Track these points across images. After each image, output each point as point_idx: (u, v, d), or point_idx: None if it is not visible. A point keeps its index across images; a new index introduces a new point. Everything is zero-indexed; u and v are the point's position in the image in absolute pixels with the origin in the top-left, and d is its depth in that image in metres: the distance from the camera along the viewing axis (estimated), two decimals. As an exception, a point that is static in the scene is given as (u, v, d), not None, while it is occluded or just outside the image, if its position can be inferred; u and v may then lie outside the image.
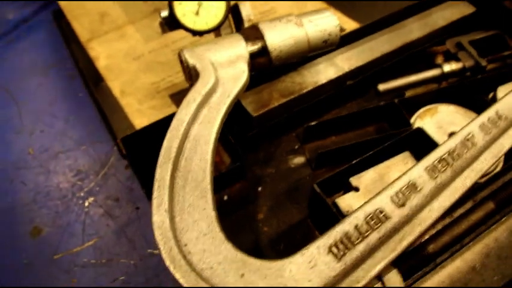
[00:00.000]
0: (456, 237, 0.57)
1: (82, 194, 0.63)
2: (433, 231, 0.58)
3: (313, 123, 0.62)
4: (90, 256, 0.58)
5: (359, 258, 0.42)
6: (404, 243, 0.42)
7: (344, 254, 0.43)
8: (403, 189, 0.47)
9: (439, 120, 0.66)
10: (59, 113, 0.72)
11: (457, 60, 0.71)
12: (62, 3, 0.78)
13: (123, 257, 0.58)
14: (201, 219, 0.44)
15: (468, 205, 0.60)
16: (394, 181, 0.48)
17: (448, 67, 0.70)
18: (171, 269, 0.39)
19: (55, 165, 0.66)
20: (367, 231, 0.44)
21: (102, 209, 0.62)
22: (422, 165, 0.49)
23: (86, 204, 0.62)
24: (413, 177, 0.48)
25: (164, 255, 0.40)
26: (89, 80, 0.69)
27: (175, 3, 0.59)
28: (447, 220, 0.59)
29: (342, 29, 0.57)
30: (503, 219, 0.59)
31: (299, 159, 0.65)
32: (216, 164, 0.64)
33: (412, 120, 0.66)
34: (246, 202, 0.61)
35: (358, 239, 0.43)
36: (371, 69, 0.67)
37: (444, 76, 0.70)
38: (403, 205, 0.46)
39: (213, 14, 0.60)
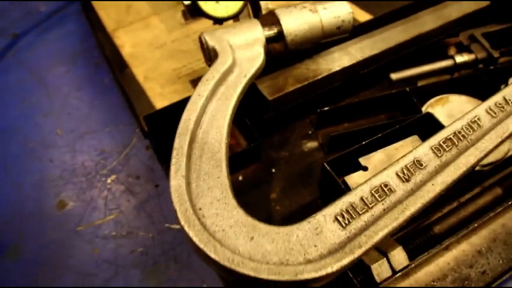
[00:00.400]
0: (463, 220, 0.58)
1: (105, 172, 0.67)
2: (440, 214, 0.60)
3: (326, 109, 0.64)
4: (111, 229, 0.62)
5: (363, 227, 0.44)
6: (407, 213, 0.44)
7: (349, 223, 0.45)
8: (409, 165, 0.49)
9: (449, 110, 0.68)
10: (85, 97, 0.76)
11: (470, 52, 0.72)
12: (90, -6, 0.83)
13: (142, 230, 0.61)
14: (215, 186, 0.47)
15: (476, 190, 0.62)
16: (400, 158, 0.50)
17: (460, 58, 0.72)
18: (186, 228, 0.42)
19: (81, 145, 0.70)
20: (372, 203, 0.46)
21: (123, 185, 0.65)
22: (429, 144, 0.51)
23: (109, 181, 0.66)
24: (419, 155, 0.50)
25: (179, 215, 0.43)
26: (115, 67, 0.73)
27: (198, -9, 0.62)
28: (454, 204, 0.61)
29: (355, 19, 0.59)
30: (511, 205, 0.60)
31: (312, 144, 0.67)
32: (232, 147, 0.67)
33: (423, 109, 0.68)
34: (260, 183, 0.64)
35: (363, 209, 0.45)
36: (384, 58, 0.69)
37: (456, 67, 0.72)
38: (407, 180, 0.48)
39: (233, 1, 0.63)
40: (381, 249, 0.53)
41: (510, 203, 0.58)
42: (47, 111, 0.74)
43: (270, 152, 0.66)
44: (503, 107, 0.55)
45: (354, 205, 0.46)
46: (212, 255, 0.41)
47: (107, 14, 0.80)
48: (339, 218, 0.45)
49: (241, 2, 0.63)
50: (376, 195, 0.46)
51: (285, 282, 0.41)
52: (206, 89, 0.52)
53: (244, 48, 0.56)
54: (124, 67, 0.73)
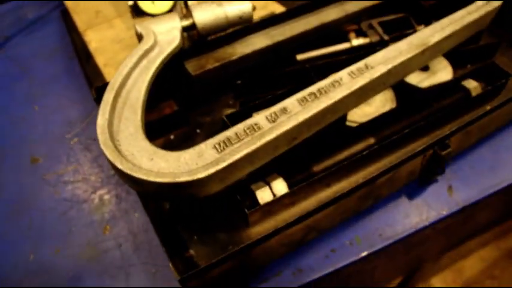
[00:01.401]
0: (338, 162, 0.72)
1: (69, 136, 0.85)
2: (323, 160, 0.74)
3: (239, 82, 0.81)
4: (70, 176, 0.79)
5: (233, 151, 0.60)
6: (263, 140, 0.60)
7: (224, 149, 0.61)
8: (277, 111, 0.64)
9: (345, 82, 0.84)
10: (61, 82, 0.95)
11: (366, 36, 0.89)
12: (67, 3, 1.03)
13: (93, 176, 0.79)
14: (131, 126, 0.63)
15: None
16: (271, 106, 0.66)
17: (356, 41, 0.88)
18: (104, 150, 0.58)
19: (53, 117, 0.89)
20: (242, 136, 0.62)
21: (82, 145, 0.83)
22: (296, 96, 0.67)
23: (72, 142, 0.84)
24: (286, 104, 0.65)
25: (101, 143, 0.59)
26: (83, 58, 0.92)
27: (137, -6, 0.81)
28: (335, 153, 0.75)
29: (253, 8, 0.77)
30: (386, 152, 0.75)
31: (232, 111, 0.84)
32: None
33: (323, 81, 0.84)
34: (187, 140, 0.80)
35: (235, 140, 0.61)
36: (291, 43, 0.86)
37: (354, 49, 0.88)
38: (274, 121, 0.63)
39: (165, 1, 0.82)
40: (266, 180, 0.69)
41: (378, 146, 0.71)
42: (28, 92, 0.93)
43: (197, 118, 0.83)
44: (362, 71, 0.71)
45: (229, 137, 0.61)
46: (119, 166, 0.57)
47: (80, 18, 0.99)
48: (216, 146, 0.61)
49: (171, 2, 0.82)
50: (247, 131, 0.62)
51: (168, 185, 0.57)
52: (131, 61, 0.69)
53: (165, 33, 0.74)
54: (89, 58, 0.92)
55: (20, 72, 0.99)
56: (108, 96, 0.65)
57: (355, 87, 0.67)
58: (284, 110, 0.65)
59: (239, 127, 0.63)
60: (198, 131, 0.82)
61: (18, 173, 0.80)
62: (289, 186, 0.68)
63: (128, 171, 0.57)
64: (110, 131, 0.62)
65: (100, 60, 0.90)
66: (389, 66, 0.70)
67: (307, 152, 0.71)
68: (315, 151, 0.73)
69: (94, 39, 0.95)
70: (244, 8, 0.77)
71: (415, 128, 0.73)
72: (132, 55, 0.70)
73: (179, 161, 0.60)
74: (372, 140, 0.75)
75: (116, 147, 0.61)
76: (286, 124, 0.62)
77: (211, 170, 0.57)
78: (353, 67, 0.71)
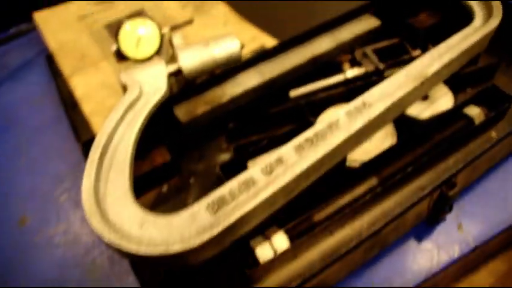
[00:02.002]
0: (340, 209, 0.69)
1: (58, 192, 0.82)
2: (324, 207, 0.70)
3: (231, 125, 0.78)
4: (60, 237, 0.76)
5: (229, 212, 0.57)
6: (259, 198, 0.56)
7: (218, 210, 0.57)
8: (272, 162, 0.61)
9: (342, 117, 0.80)
10: (48, 132, 0.92)
11: (360, 66, 0.85)
12: (52, 47, 0.99)
13: (84, 236, 0.75)
14: (118, 189, 0.60)
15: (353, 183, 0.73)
16: (267, 157, 0.62)
17: (350, 73, 0.84)
18: (88, 218, 0.55)
19: (41, 170, 0.85)
20: (238, 193, 0.58)
21: (72, 201, 0.80)
22: (291, 144, 0.63)
23: (61, 199, 0.81)
24: (282, 154, 0.62)
25: (85, 209, 0.56)
26: (68, 106, 0.89)
27: (120, 40, 0.78)
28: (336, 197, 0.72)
29: (242, 46, 0.73)
30: (390, 193, 0.71)
31: (226, 156, 0.80)
32: (159, 162, 0.80)
33: (319, 118, 0.81)
34: (181, 192, 0.77)
35: (230, 199, 0.58)
36: (284, 79, 0.83)
37: (349, 81, 0.85)
38: (269, 173, 0.60)
39: (150, 45, 0.79)
40: (265, 235, 0.66)
41: (382, 189, 0.68)
42: (15, 143, 0.90)
43: (189, 165, 0.79)
44: (360, 110, 0.67)
45: (223, 196, 0.58)
46: (106, 238, 0.54)
47: (65, 62, 0.96)
48: (210, 206, 0.57)
49: (156, 46, 0.79)
50: (242, 187, 0.59)
51: (159, 258, 0.53)
52: (116, 115, 0.65)
53: (150, 82, 0.70)
54: (75, 106, 0.88)
55: (5, 122, 0.95)
56: (93, 156, 0.62)
57: (353, 129, 0.63)
58: (280, 161, 0.61)
59: (233, 183, 0.59)
60: (191, 180, 0.78)
61: (6, 238, 0.77)
62: (290, 238, 0.65)
63: (117, 244, 0.54)
64: (96, 195, 0.59)
65: (86, 108, 0.86)
66: (388, 103, 0.66)
67: (306, 199, 0.68)
68: (314, 197, 0.69)
69: (80, 85, 0.91)
70: (233, 48, 0.73)
71: (419, 165, 0.69)
72: (117, 108, 0.67)
73: (171, 226, 0.57)
74: (374, 181, 0.72)
75: (102, 214, 0.57)
76: (283, 178, 0.58)
77: (206, 236, 0.54)
78: (350, 106, 0.67)
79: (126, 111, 0.67)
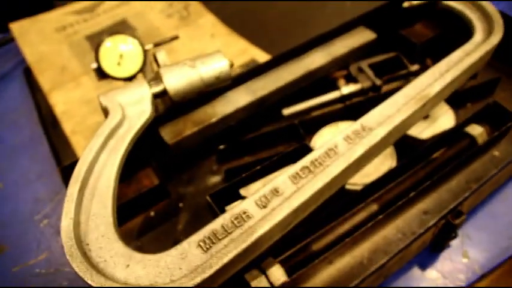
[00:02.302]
0: (340, 237, 0.65)
1: (39, 217, 0.76)
2: (317, 234, 0.67)
3: (222, 147, 0.73)
4: (42, 267, 0.71)
5: (222, 250, 0.52)
6: (255, 235, 0.52)
7: (210, 247, 0.53)
8: (267, 194, 0.57)
9: (338, 136, 0.76)
10: (26, 152, 0.86)
11: (356, 82, 0.81)
12: (30, 60, 0.94)
13: (67, 267, 0.70)
14: (101, 224, 0.55)
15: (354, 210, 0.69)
16: (261, 187, 0.58)
17: (346, 89, 0.80)
18: (70, 260, 0.50)
19: (19, 195, 0.80)
20: (231, 229, 0.54)
21: (53, 228, 0.75)
22: (287, 173, 0.59)
23: (41, 225, 0.75)
24: (277, 184, 0.57)
25: (66, 250, 0.51)
26: (48, 124, 0.83)
27: (101, 57, 0.73)
28: (332, 224, 0.68)
29: (232, 65, 0.69)
30: (391, 219, 0.68)
31: (216, 178, 0.76)
32: (147, 186, 0.76)
33: (314, 137, 0.77)
34: (169, 216, 0.72)
35: (223, 235, 0.53)
36: (276, 97, 0.78)
37: (345, 97, 0.81)
38: (265, 206, 0.56)
39: (133, 63, 0.74)
40: (261, 268, 0.61)
41: (384, 216, 0.64)
42: (-9, 167, 0.85)
43: (178, 188, 0.75)
44: (359, 134, 0.63)
45: (215, 231, 0.54)
46: (89, 281, 0.49)
47: (44, 77, 0.91)
48: (201, 243, 0.53)
49: (139, 63, 0.74)
50: (236, 222, 0.54)
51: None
52: (96, 143, 0.61)
53: (133, 104, 0.65)
54: (56, 124, 0.83)
55: (-20, 143, 0.90)
56: (72, 191, 0.57)
57: (353, 157, 0.59)
58: (275, 192, 0.57)
59: (225, 217, 0.55)
60: (180, 204, 0.73)
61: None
62: (287, 270, 0.61)
63: (101, 287, 0.49)
64: (77, 234, 0.54)
65: (67, 126, 0.81)
66: (390, 127, 0.62)
67: (303, 226, 0.64)
68: (312, 224, 0.65)
69: (60, 102, 0.86)
70: (221, 67, 0.69)
71: (422, 189, 0.66)
72: (98, 135, 0.62)
73: (159, 266, 0.52)
74: (374, 207, 0.68)
75: (85, 254, 0.53)
76: (280, 212, 0.54)
77: (197, 280, 0.50)
78: (348, 130, 0.63)
79: (108, 138, 0.62)
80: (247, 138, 0.75)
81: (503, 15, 0.75)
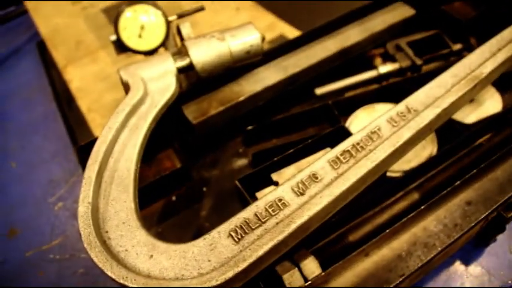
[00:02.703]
0: (378, 227, 0.60)
1: (53, 200, 0.72)
2: (353, 223, 0.62)
3: (250, 128, 0.68)
4: (55, 252, 0.67)
5: (255, 240, 0.47)
6: (292, 227, 0.47)
7: (242, 238, 0.48)
8: (304, 179, 0.51)
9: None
10: (40, 131, 0.82)
11: (394, 61, 0.75)
12: (44, 34, 0.89)
13: (83, 253, 0.66)
14: (122, 210, 0.51)
15: (394, 198, 0.64)
16: (298, 173, 0.53)
17: (384, 68, 0.74)
18: (88, 249, 0.46)
19: (32, 175, 0.76)
20: (265, 218, 0.49)
21: (69, 212, 0.70)
22: (326, 158, 0.53)
23: (56, 208, 0.71)
24: (316, 169, 0.52)
25: (83, 239, 0.47)
26: (63, 101, 0.78)
27: (121, 28, 0.67)
28: (371, 213, 0.63)
29: (263, 39, 0.63)
30: (432, 209, 0.62)
31: (242, 161, 0.71)
32: (168, 169, 0.71)
33: (349, 119, 0.71)
34: (192, 201, 0.68)
35: (256, 224, 0.48)
36: (308, 75, 0.73)
37: (383, 77, 0.75)
38: (302, 194, 0.50)
39: (155, 35, 0.68)
40: (294, 260, 0.56)
41: (425, 206, 0.59)
42: (2, 144, 0.80)
43: (202, 172, 0.70)
44: (404, 116, 0.58)
45: (247, 220, 0.49)
46: (109, 273, 0.45)
47: (59, 51, 0.86)
48: (232, 233, 0.48)
49: (162, 36, 0.68)
50: (270, 210, 0.49)
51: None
52: (116, 121, 0.56)
53: (157, 80, 0.60)
54: (71, 101, 0.78)
55: (-7, 119, 0.85)
56: (90, 173, 0.52)
57: (400, 142, 0.54)
58: (314, 178, 0.52)
59: (259, 205, 0.50)
60: (204, 189, 0.68)
61: (-6, 253, 0.67)
62: (322, 262, 0.56)
63: (122, 281, 0.44)
64: (95, 220, 0.50)
65: (83, 103, 0.76)
66: (439, 110, 0.57)
67: (339, 216, 0.59)
68: (349, 213, 0.60)
69: (76, 77, 0.81)
70: (252, 40, 0.63)
71: (466, 179, 0.60)
72: (118, 112, 0.57)
73: (186, 257, 0.48)
74: (415, 196, 0.63)
75: (104, 242, 0.48)
76: (319, 200, 0.49)
77: (229, 274, 0.45)
78: (392, 112, 0.58)
79: (128, 116, 0.57)
80: (276, 119, 0.70)
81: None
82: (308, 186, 0.51)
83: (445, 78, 0.61)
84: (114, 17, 0.68)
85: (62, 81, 0.82)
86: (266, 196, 0.50)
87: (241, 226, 0.49)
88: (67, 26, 0.92)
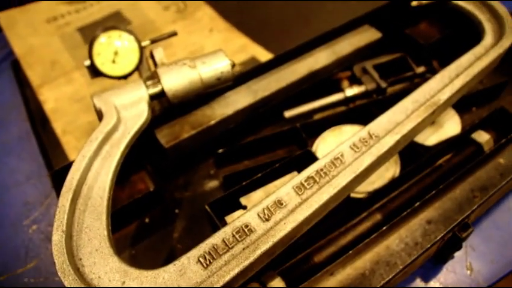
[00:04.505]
0: (342, 248, 0.63)
1: (28, 222, 0.73)
2: (319, 244, 0.64)
3: (220, 151, 0.70)
4: (30, 276, 0.67)
5: (223, 266, 0.50)
6: (258, 252, 0.49)
7: (210, 263, 0.50)
8: (270, 206, 0.54)
9: (342, 140, 0.73)
10: (14, 152, 0.82)
11: (360, 84, 0.78)
12: (18, 53, 0.89)
13: (57, 276, 0.67)
14: (95, 237, 0.52)
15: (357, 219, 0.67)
16: (264, 198, 0.55)
17: (350, 91, 0.78)
18: (61, 278, 0.47)
19: (7, 198, 0.76)
20: (232, 243, 0.51)
21: (43, 234, 0.71)
22: (291, 184, 0.56)
23: (30, 231, 0.72)
24: (281, 195, 0.55)
25: (57, 267, 0.48)
26: (37, 123, 0.79)
27: (95, 54, 0.69)
28: (335, 234, 0.66)
29: (233, 65, 0.65)
30: (394, 229, 0.66)
31: (214, 183, 0.73)
32: (141, 191, 0.72)
33: (317, 141, 0.74)
34: (165, 223, 0.69)
35: (224, 250, 0.51)
36: (277, 98, 0.75)
37: (349, 100, 0.78)
38: (268, 220, 0.53)
39: (128, 61, 0.70)
40: (261, 281, 0.59)
41: (388, 226, 0.62)
42: (-24, 167, 0.80)
43: (174, 194, 0.72)
44: (366, 142, 0.61)
45: (215, 246, 0.51)
46: (81, 302, 0.47)
47: (34, 70, 0.86)
48: (201, 259, 0.50)
49: (136, 61, 0.70)
50: (237, 236, 0.52)
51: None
52: (90, 150, 0.57)
53: (130, 107, 0.62)
54: (46, 122, 0.79)
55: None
56: (64, 202, 0.53)
57: (361, 168, 0.57)
58: (279, 204, 0.54)
59: (226, 231, 0.52)
60: (176, 210, 0.70)
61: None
62: (288, 283, 0.58)
63: (94, 308, 0.46)
64: (69, 248, 0.51)
65: (58, 125, 0.78)
66: (399, 136, 0.60)
67: (305, 237, 0.61)
68: (313, 234, 0.63)
69: (50, 98, 0.82)
70: (223, 67, 0.65)
71: (427, 199, 0.64)
72: (91, 141, 0.58)
73: (156, 283, 0.49)
74: (378, 216, 0.66)
75: (77, 270, 0.50)
76: (284, 226, 0.52)
77: (197, 300, 0.47)
78: (355, 138, 0.61)
79: (101, 144, 0.59)
80: (246, 141, 0.72)
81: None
82: (273, 212, 0.53)
83: (406, 104, 0.64)
84: (89, 37, 0.69)
85: (37, 102, 0.82)
86: (234, 222, 0.53)
87: (209, 252, 0.51)
88: (42, 45, 0.92)
